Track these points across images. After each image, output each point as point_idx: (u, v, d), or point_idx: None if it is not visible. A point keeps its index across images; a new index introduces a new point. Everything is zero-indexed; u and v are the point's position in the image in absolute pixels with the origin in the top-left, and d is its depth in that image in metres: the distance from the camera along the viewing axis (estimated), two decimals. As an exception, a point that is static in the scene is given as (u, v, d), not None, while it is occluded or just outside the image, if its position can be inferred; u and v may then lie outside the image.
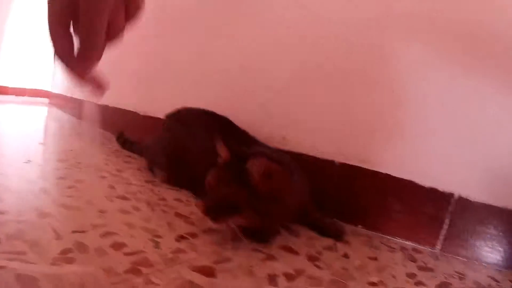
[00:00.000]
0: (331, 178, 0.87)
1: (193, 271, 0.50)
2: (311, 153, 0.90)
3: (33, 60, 3.38)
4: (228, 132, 0.91)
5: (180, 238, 0.61)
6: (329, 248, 0.68)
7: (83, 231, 0.56)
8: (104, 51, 0.28)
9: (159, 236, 0.59)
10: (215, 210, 0.58)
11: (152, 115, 1.46)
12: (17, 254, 0.46)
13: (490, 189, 0.72)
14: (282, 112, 0.99)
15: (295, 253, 0.63)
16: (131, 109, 1.61)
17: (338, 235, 0.74)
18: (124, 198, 0.77)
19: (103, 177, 0.91)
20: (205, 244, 0.60)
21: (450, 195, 0.74)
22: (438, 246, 0.75)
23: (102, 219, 0.63)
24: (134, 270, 0.47)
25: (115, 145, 1.40)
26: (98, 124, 1.91)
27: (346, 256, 0.66)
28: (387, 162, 0.80)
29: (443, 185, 0.75)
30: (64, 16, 0.26)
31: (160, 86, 1.48)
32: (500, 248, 0.72)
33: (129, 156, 1.25)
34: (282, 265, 0.57)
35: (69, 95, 2.47)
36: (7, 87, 3.27)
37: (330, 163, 0.87)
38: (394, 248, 0.74)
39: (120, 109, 1.70)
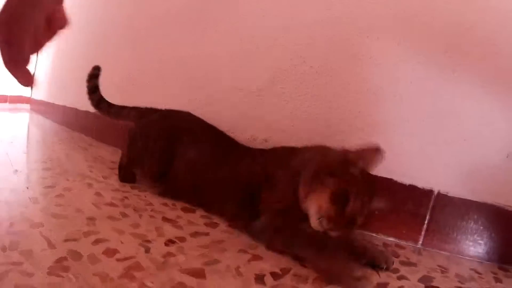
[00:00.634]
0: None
1: (183, 273, 0.56)
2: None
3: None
4: (221, 140, 0.97)
5: (169, 242, 0.67)
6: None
7: (75, 239, 0.61)
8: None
9: (148, 241, 0.65)
10: None
11: None
12: (13, 265, 0.51)
13: (468, 184, 0.80)
14: (259, 115, 1.05)
15: (281, 252, 0.69)
16: None
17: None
18: (112, 204, 0.83)
19: (90, 184, 0.96)
20: (194, 247, 0.66)
21: (430, 191, 0.82)
22: (421, 242, 0.83)
23: (92, 226, 0.68)
24: (128, 275, 0.53)
25: (98, 151, 1.45)
26: (79, 129, 1.95)
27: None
28: None
29: (422, 182, 0.82)
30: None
31: (140, 91, 1.53)
32: (481, 241, 0.80)
33: (113, 162, 1.30)
34: (268, 265, 0.63)
35: (50, 101, 2.52)
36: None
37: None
38: (377, 245, 0.81)
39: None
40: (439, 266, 0.74)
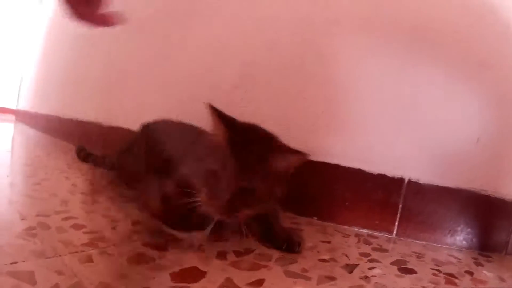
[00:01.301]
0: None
1: (145, 246, 0.62)
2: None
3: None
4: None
5: (136, 223, 0.73)
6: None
7: (46, 215, 0.68)
8: None
9: (117, 221, 0.72)
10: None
11: (114, 125, 1.61)
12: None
13: (439, 171, 0.86)
14: (229, 112, 1.11)
15: (246, 235, 0.72)
16: (93, 120, 1.78)
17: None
18: (86, 194, 0.90)
19: (67, 177, 1.04)
20: (160, 228, 0.70)
21: (401, 179, 0.87)
22: (395, 232, 0.88)
23: (64, 207, 0.76)
24: (92, 244, 0.59)
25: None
26: (63, 137, 2.06)
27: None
28: (335, 153, 0.93)
29: (392, 171, 0.88)
30: None
31: (119, 95, 1.65)
32: (457, 228, 0.85)
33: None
34: (232, 245, 0.68)
35: (34, 111, 2.66)
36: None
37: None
38: (348, 235, 0.85)
39: (81, 121, 1.88)
40: (414, 252, 0.77)
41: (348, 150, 0.92)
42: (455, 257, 0.77)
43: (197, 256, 0.61)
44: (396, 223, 0.87)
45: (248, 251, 0.66)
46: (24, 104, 3.28)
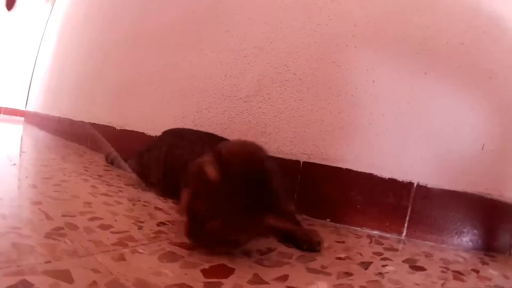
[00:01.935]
0: (296, 177, 0.99)
1: (173, 245, 0.61)
2: (278, 155, 1.01)
3: (8, 80, 3.60)
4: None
5: (161, 223, 0.72)
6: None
7: (72, 216, 0.67)
8: None
9: (141, 222, 0.71)
10: None
11: (127, 128, 1.59)
12: (12, 228, 0.56)
13: (446, 176, 0.86)
14: (246, 120, 1.12)
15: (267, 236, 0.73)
16: (106, 123, 1.75)
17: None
18: (107, 195, 0.89)
19: (86, 179, 1.02)
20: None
21: (410, 184, 0.88)
22: (404, 233, 0.88)
23: (88, 208, 0.74)
24: (121, 243, 0.58)
25: (93, 157, 1.51)
26: (75, 139, 2.02)
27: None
28: (347, 158, 0.94)
29: (401, 176, 0.88)
30: None
31: (133, 100, 1.63)
32: (463, 230, 0.85)
33: (106, 166, 1.37)
34: (254, 244, 0.67)
35: (44, 112, 2.61)
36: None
37: (296, 163, 1.00)
38: (361, 236, 0.86)
39: (95, 124, 1.85)
40: (423, 252, 0.78)
41: (360, 156, 0.93)
42: (462, 257, 0.78)
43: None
44: (406, 225, 0.87)
45: (270, 250, 0.67)
46: (33, 105, 3.22)
